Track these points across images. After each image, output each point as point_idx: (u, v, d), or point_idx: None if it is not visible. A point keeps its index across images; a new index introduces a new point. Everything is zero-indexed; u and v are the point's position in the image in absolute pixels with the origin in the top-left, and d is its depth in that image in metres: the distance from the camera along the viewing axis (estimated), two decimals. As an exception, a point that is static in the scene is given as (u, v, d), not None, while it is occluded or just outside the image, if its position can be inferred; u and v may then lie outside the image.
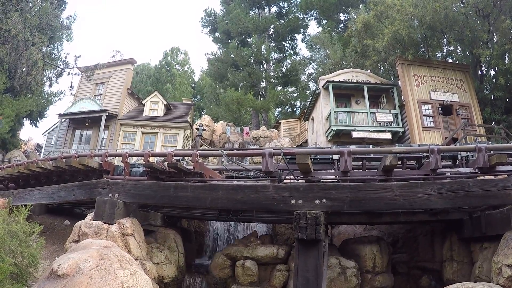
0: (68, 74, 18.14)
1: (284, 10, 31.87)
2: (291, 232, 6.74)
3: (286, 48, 31.92)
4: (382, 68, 19.94)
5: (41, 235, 5.76)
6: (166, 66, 37.30)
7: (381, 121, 15.04)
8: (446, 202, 4.90)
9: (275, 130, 23.47)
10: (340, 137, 14.90)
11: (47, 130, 22.21)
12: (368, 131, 14.67)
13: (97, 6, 74.89)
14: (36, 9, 17.07)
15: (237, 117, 27.87)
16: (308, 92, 28.23)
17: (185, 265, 7.11)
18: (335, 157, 6.07)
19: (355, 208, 5.13)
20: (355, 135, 14.51)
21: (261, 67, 29.32)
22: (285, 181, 5.96)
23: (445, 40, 16.76)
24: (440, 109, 14.38)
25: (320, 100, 17.18)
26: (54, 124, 21.22)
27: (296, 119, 24.36)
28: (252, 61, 28.41)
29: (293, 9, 31.42)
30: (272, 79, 29.33)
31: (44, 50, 17.70)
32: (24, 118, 17.95)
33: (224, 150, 6.38)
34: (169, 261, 6.50)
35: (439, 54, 17.86)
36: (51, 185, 7.31)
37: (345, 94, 16.71)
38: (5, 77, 15.21)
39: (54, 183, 7.80)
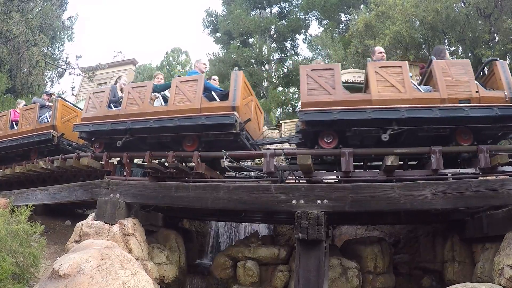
0: (70, 74, 18.26)
1: (285, 11, 31.81)
2: (293, 232, 6.73)
3: (287, 48, 31.87)
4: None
5: (43, 235, 5.76)
6: (167, 67, 37.30)
7: (382, 121, 14.99)
8: (447, 203, 4.89)
9: (276, 131, 23.42)
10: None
11: (48, 131, 22.24)
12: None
13: (98, 7, 75.06)
14: (37, 10, 17.12)
15: (238, 117, 27.78)
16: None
17: (186, 265, 7.11)
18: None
19: (357, 209, 5.12)
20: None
21: (262, 67, 29.31)
22: (286, 181, 5.96)
23: (446, 40, 16.72)
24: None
25: (321, 100, 17.15)
26: (56, 124, 21.23)
27: (298, 120, 24.23)
28: (253, 61, 28.40)
29: (294, 9, 31.34)
30: (273, 80, 29.32)
31: (45, 50, 17.76)
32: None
33: (226, 151, 6.35)
34: (170, 261, 6.50)
35: (440, 54, 17.82)
36: (53, 185, 7.32)
37: (346, 95, 16.68)
38: (6, 78, 15.23)
39: (55, 183, 7.81)
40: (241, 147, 6.27)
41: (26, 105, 9.48)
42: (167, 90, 6.66)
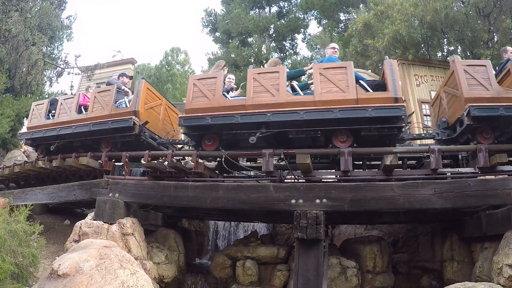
0: (69, 73, 18.18)
1: (284, 10, 31.80)
2: (292, 232, 6.73)
3: (286, 48, 31.85)
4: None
5: (42, 235, 5.77)
6: (166, 66, 37.27)
7: (382, 121, 15.03)
8: (446, 202, 4.89)
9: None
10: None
11: (47, 130, 22.16)
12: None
13: (98, 6, 75.05)
14: (36, 9, 17.07)
15: (237, 117, 27.74)
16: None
17: (185, 265, 7.11)
18: (336, 156, 6.06)
19: (356, 208, 5.13)
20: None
21: (261, 67, 29.28)
22: (285, 181, 5.96)
23: (445, 39, 16.71)
24: (441, 108, 14.33)
25: (320, 99, 17.14)
26: (55, 124, 21.15)
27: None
28: (252, 61, 28.36)
29: (293, 9, 31.33)
30: (272, 79, 29.29)
31: (44, 49, 17.70)
32: (25, 118, 17.87)
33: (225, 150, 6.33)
34: (170, 261, 6.50)
35: (439, 54, 17.84)
36: (52, 185, 7.31)
37: (345, 94, 16.68)
38: (5, 77, 15.20)
39: (54, 183, 7.80)
40: (394, 141, 5.91)
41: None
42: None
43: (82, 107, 7.45)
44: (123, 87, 7.31)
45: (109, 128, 6.74)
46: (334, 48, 6.46)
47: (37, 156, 8.13)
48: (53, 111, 7.88)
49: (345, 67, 5.62)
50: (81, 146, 7.51)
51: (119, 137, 6.88)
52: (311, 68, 6.04)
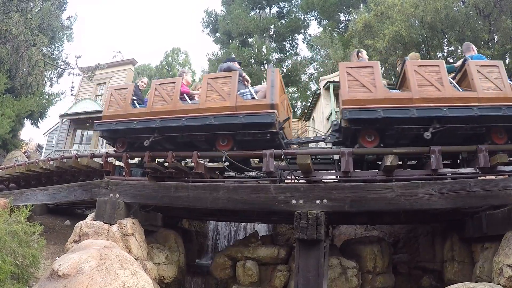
0: (69, 74, 18.23)
1: (284, 11, 31.84)
2: (292, 232, 6.72)
3: (286, 48, 31.90)
4: (383, 68, 19.93)
5: (42, 235, 5.77)
6: (167, 67, 37.30)
7: (382, 121, 15.01)
8: (447, 202, 4.88)
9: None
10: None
11: (48, 131, 22.25)
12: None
13: (98, 7, 75.16)
14: (36, 10, 17.11)
15: (237, 117, 27.72)
16: (309, 92, 28.24)
17: (185, 265, 7.11)
18: (336, 157, 6.06)
19: (356, 208, 5.12)
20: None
21: (262, 67, 29.30)
22: (286, 181, 5.96)
23: (445, 40, 16.74)
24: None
25: (321, 100, 17.16)
26: (55, 125, 21.25)
27: (297, 119, 24.30)
28: (252, 61, 28.39)
29: (293, 9, 31.39)
30: (272, 80, 29.24)
31: (44, 50, 17.75)
32: (25, 119, 17.97)
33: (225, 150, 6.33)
34: (170, 261, 6.50)
35: (439, 54, 17.86)
36: (52, 186, 7.31)
37: (346, 94, 16.64)
38: (6, 78, 15.24)
39: (55, 184, 7.80)
40: None
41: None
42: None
43: (185, 95, 6.36)
44: (244, 74, 6.30)
45: (239, 122, 5.65)
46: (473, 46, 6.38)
47: (114, 151, 7.08)
48: (133, 97, 6.74)
49: (497, 65, 5.51)
50: (187, 142, 6.35)
51: (248, 134, 5.83)
52: (459, 65, 6.00)
